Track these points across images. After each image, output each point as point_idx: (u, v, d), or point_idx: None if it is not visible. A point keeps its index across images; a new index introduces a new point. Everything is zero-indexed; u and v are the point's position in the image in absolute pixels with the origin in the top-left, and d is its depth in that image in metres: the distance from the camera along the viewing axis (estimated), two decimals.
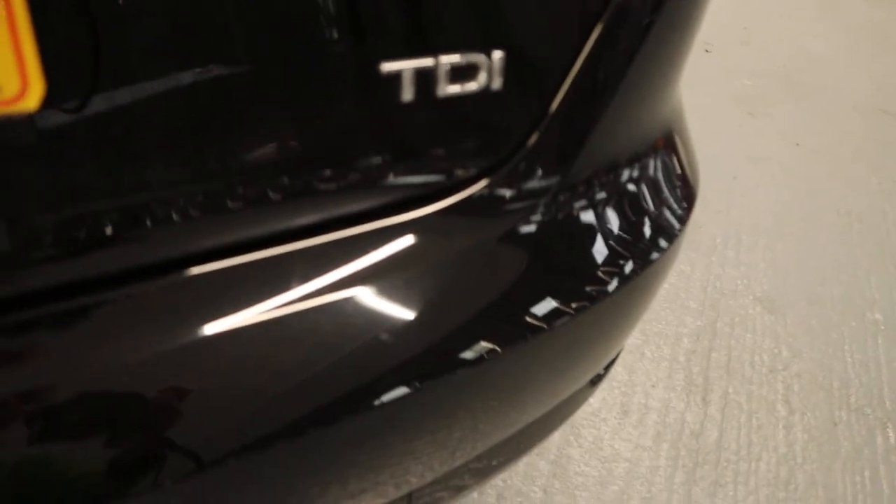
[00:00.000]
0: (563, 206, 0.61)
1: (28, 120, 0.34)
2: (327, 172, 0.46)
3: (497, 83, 0.49)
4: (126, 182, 0.39)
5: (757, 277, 1.75)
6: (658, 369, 1.45)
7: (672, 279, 1.69)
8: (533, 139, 0.55)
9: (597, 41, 0.54)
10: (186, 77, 0.39)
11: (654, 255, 0.68)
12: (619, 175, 0.67)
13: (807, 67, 2.82)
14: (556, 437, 1.27)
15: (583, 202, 0.63)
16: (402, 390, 0.50)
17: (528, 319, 0.57)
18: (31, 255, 0.38)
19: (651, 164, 0.72)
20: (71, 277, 0.39)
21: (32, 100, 0.34)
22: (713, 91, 2.53)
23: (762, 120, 2.43)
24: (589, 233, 0.64)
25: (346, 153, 0.46)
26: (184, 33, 0.38)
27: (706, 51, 2.81)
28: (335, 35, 0.42)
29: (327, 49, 0.42)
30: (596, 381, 0.75)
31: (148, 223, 0.41)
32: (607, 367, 0.77)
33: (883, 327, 1.67)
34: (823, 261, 1.84)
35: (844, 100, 2.64)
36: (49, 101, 0.34)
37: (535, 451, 1.23)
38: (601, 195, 0.65)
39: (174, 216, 0.41)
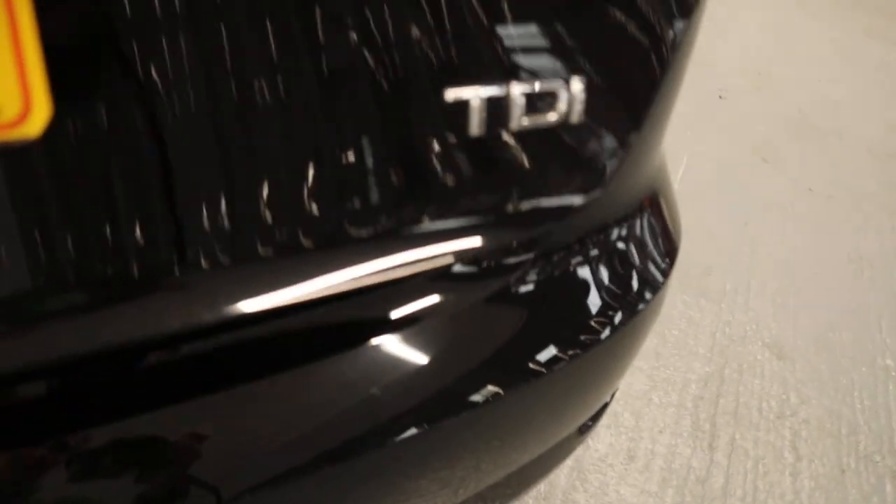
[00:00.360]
0: (559, 264, 0.67)
1: (28, 148, 0.30)
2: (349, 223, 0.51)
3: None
4: (144, 224, 0.36)
5: (766, 323, 1.77)
6: (665, 415, 1.49)
7: (681, 325, 1.72)
8: (540, 200, 0.61)
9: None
10: (219, 101, 0.35)
11: (641, 307, 0.74)
12: (609, 234, 0.73)
13: (821, 112, 2.86)
14: (563, 481, 1.30)
15: (578, 258, 0.69)
16: (406, 433, 0.56)
17: (526, 368, 0.63)
18: (30, 304, 0.35)
19: (638, 223, 0.78)
20: (76, 332, 0.39)
21: (35, 125, 0.30)
22: (727, 138, 2.58)
23: (775, 165, 2.46)
24: (582, 287, 0.70)
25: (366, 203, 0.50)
26: (216, 50, 0.34)
27: (720, 97, 2.87)
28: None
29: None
30: (584, 430, 0.80)
31: (173, 273, 0.39)
32: (595, 418, 0.82)
33: (894, 373, 1.68)
34: (834, 306, 1.86)
35: (859, 144, 2.67)
36: (55, 128, 0.30)
37: (541, 495, 1.27)
38: (594, 252, 0.71)
39: (201, 264, 0.39)
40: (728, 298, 1.84)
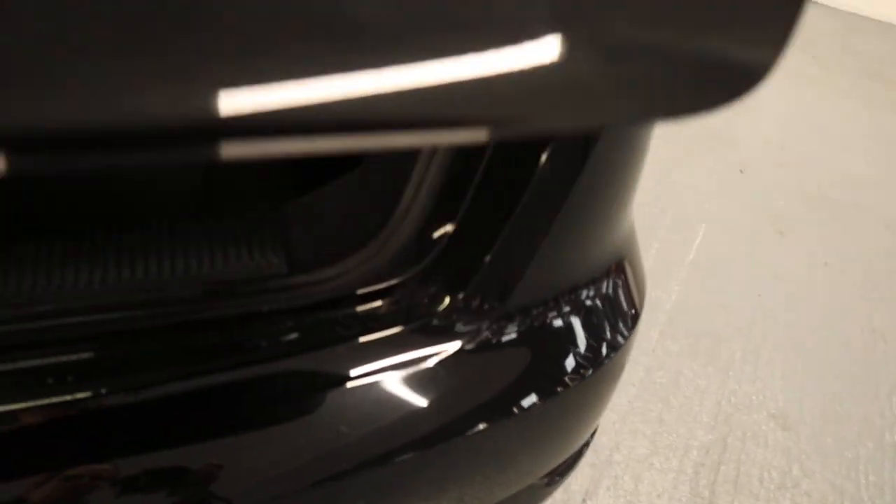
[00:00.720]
0: (537, 317, 0.76)
1: None
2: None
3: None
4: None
5: (773, 394, 1.80)
6: (664, 480, 1.51)
7: (688, 392, 1.76)
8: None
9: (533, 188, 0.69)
10: None
11: (605, 362, 0.82)
12: (579, 295, 0.82)
13: (841, 187, 2.90)
14: None
15: (552, 315, 0.78)
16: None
17: (504, 411, 0.71)
18: None
19: (605, 286, 0.86)
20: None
21: None
22: (745, 211, 2.64)
23: (792, 239, 2.51)
24: (551, 343, 0.78)
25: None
26: None
27: (741, 171, 2.94)
28: None
29: None
30: (551, 482, 0.86)
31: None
32: (563, 473, 0.88)
33: None
34: (844, 379, 1.88)
35: (877, 219, 2.70)
36: None
37: None
38: (566, 310, 0.80)
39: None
40: (736, 367, 1.87)
